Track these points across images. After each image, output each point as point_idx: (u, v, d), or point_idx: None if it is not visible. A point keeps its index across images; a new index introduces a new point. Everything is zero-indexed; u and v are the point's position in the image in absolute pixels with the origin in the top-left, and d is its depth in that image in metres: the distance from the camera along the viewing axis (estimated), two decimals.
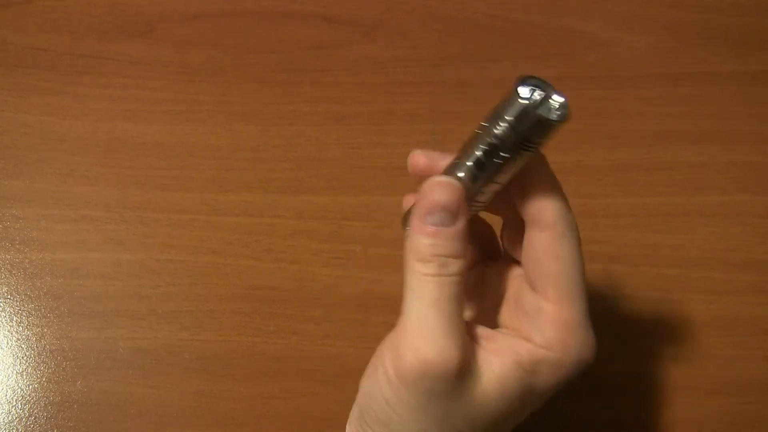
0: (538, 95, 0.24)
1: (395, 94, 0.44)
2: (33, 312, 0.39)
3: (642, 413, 0.37)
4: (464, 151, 0.26)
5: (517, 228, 0.28)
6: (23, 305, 0.39)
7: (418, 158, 0.28)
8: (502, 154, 0.25)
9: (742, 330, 0.38)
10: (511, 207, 0.27)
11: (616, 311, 0.39)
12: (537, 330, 0.26)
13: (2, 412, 0.36)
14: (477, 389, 0.25)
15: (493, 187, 0.26)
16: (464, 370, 0.25)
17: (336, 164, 0.42)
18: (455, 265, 0.26)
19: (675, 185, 0.42)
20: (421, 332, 0.25)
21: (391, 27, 0.46)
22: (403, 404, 0.25)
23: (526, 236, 0.27)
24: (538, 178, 0.26)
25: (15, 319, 0.38)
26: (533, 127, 0.24)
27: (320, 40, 0.46)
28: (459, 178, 0.26)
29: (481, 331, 0.27)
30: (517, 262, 0.29)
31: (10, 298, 0.39)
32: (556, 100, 0.24)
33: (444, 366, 0.24)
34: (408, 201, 0.30)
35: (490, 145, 0.25)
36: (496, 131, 0.24)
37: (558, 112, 0.24)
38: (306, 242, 0.40)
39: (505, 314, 0.28)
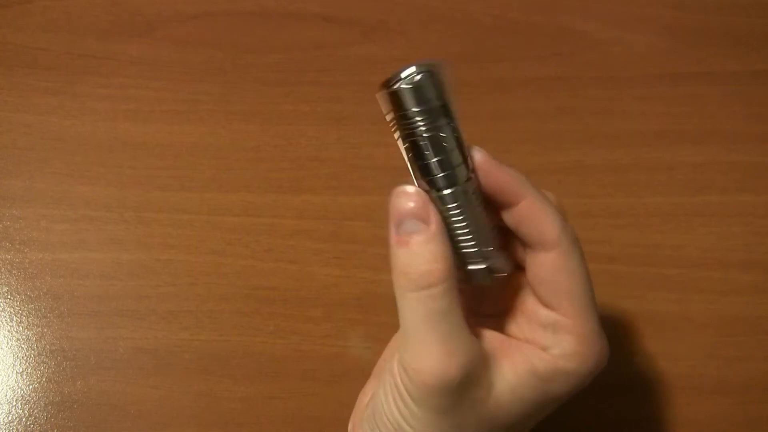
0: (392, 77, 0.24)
1: None
2: (33, 312, 0.39)
3: (642, 413, 0.37)
4: (409, 164, 0.26)
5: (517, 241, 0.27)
6: (23, 305, 0.39)
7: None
8: (413, 139, 0.25)
9: (742, 330, 0.38)
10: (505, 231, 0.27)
11: (616, 311, 0.39)
12: (554, 342, 0.26)
13: (2, 412, 0.36)
14: (489, 398, 0.25)
15: (452, 182, 0.26)
16: (470, 380, 0.25)
17: (336, 164, 0.42)
18: (438, 274, 0.25)
19: (675, 185, 0.42)
20: (417, 351, 0.25)
21: (391, 27, 0.46)
22: (414, 417, 0.25)
23: (531, 258, 0.27)
24: (527, 202, 0.26)
25: (15, 319, 0.38)
26: (401, 102, 0.25)
27: (320, 40, 0.46)
28: (418, 184, 0.26)
29: (493, 338, 0.27)
30: (517, 268, 0.28)
31: (10, 298, 0.39)
32: (409, 71, 0.24)
33: (444, 382, 0.24)
34: None
35: (404, 140, 0.25)
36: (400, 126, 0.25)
37: (409, 79, 0.24)
38: (306, 242, 0.40)
39: (517, 323, 0.28)
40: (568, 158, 0.42)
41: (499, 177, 0.26)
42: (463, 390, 0.25)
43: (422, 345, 0.25)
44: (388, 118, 0.26)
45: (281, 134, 0.43)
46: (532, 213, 0.26)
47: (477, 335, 0.27)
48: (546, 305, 0.27)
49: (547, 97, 0.44)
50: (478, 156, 0.26)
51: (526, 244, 0.27)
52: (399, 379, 0.26)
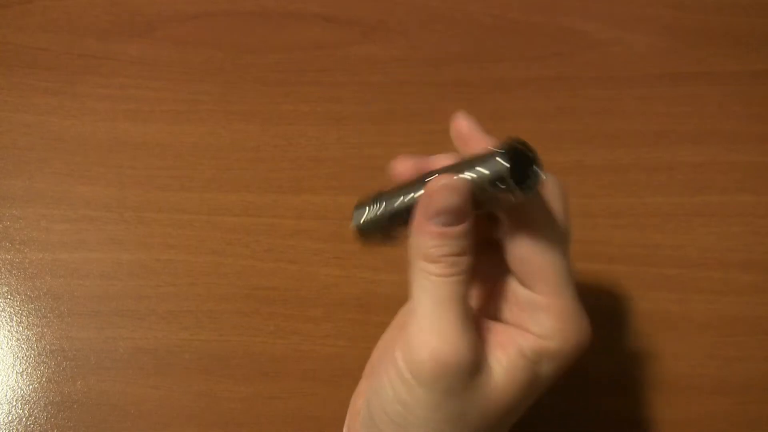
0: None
1: (395, 94, 0.44)
2: (33, 312, 0.39)
3: (642, 413, 0.37)
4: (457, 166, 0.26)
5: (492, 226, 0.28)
6: (23, 305, 0.39)
7: (460, 124, 0.28)
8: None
9: (742, 330, 0.38)
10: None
11: (616, 311, 0.39)
12: (534, 322, 0.26)
13: (2, 412, 0.36)
14: (488, 383, 0.25)
15: None
16: (477, 365, 0.25)
17: (336, 164, 0.42)
18: (462, 263, 0.26)
19: (675, 185, 0.42)
20: (435, 331, 0.25)
21: (391, 27, 0.46)
22: (418, 402, 0.25)
23: (506, 236, 0.27)
24: None
25: (15, 319, 0.38)
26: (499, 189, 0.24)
27: (320, 40, 0.46)
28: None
29: (483, 324, 0.27)
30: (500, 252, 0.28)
31: (10, 298, 0.39)
32: (534, 173, 0.24)
33: (460, 363, 0.24)
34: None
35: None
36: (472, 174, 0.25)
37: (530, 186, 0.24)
38: (306, 242, 0.40)
39: (499, 306, 0.29)
40: (568, 158, 0.42)
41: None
42: (472, 372, 0.25)
43: (441, 326, 0.25)
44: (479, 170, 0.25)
45: (281, 134, 0.43)
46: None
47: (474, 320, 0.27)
48: (524, 285, 0.27)
49: (547, 97, 0.44)
50: (463, 124, 0.27)
51: (501, 220, 0.27)
52: (403, 365, 0.25)
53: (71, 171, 0.42)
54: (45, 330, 0.38)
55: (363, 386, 0.31)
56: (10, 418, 0.36)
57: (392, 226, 0.28)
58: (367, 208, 0.29)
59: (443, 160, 0.27)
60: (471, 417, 0.26)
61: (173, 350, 0.38)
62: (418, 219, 0.26)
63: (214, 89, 0.44)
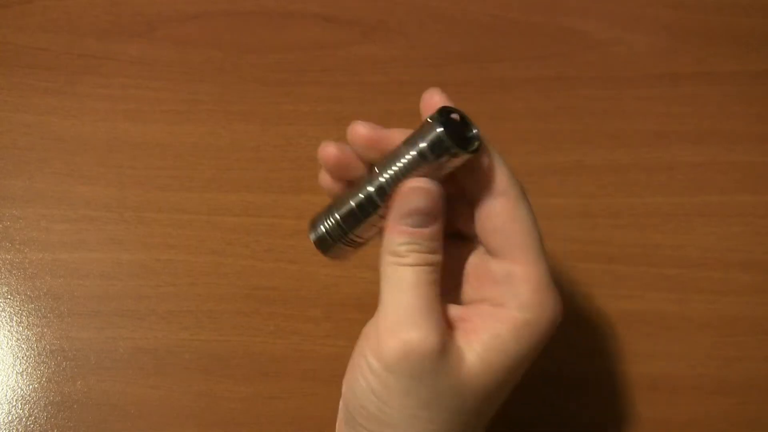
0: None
1: (395, 94, 0.44)
2: (33, 312, 0.39)
3: (642, 413, 0.37)
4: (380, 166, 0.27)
5: (458, 202, 0.28)
6: (23, 305, 0.39)
7: (360, 129, 0.28)
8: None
9: (742, 330, 0.38)
10: (452, 184, 0.27)
11: (616, 311, 0.39)
12: (511, 294, 0.26)
13: (2, 412, 0.36)
14: (462, 369, 0.25)
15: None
16: (445, 347, 0.25)
17: None
18: (431, 258, 0.26)
19: (675, 185, 0.42)
20: (400, 315, 0.25)
21: (391, 27, 0.46)
22: (390, 390, 0.25)
23: (480, 210, 0.27)
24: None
25: (15, 319, 0.38)
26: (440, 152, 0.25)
27: (320, 40, 0.46)
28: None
29: (454, 311, 0.27)
30: (461, 238, 0.29)
31: (10, 298, 0.39)
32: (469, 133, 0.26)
33: (425, 344, 0.25)
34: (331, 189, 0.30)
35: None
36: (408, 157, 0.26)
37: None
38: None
39: (469, 290, 0.29)
40: (568, 158, 0.42)
41: None
42: (440, 354, 0.25)
43: (406, 310, 0.25)
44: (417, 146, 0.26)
45: (281, 134, 0.43)
46: (484, 159, 0.26)
47: (443, 308, 0.27)
48: (497, 256, 0.27)
49: (547, 97, 0.44)
50: (361, 131, 0.27)
51: (474, 198, 0.27)
52: (371, 355, 0.26)
53: (71, 171, 0.42)
54: (45, 330, 0.38)
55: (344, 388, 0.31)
56: (10, 418, 0.36)
57: (349, 229, 0.28)
58: (321, 219, 0.29)
59: (397, 134, 0.27)
60: (445, 401, 0.25)
61: (173, 350, 0.38)
62: (390, 219, 0.26)
63: (214, 89, 0.44)
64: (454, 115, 0.26)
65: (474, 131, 0.26)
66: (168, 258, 0.40)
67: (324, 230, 0.29)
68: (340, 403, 0.30)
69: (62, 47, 0.45)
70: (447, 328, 0.26)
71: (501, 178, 0.26)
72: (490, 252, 0.27)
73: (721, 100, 0.44)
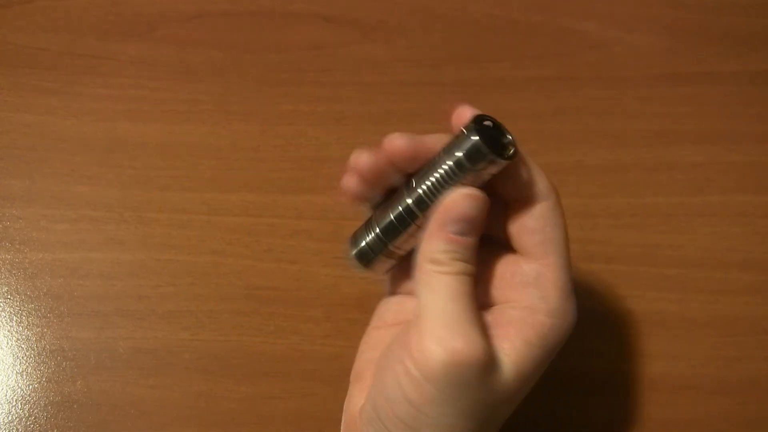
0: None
1: (395, 94, 0.44)
2: (33, 312, 0.39)
3: (642, 413, 0.37)
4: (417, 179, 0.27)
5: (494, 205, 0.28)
6: (23, 305, 0.39)
7: (398, 141, 0.27)
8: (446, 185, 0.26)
9: (742, 330, 0.38)
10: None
11: (616, 311, 0.39)
12: (541, 298, 0.27)
13: (2, 412, 0.36)
14: (500, 377, 0.26)
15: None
16: (492, 360, 0.25)
17: (336, 164, 0.42)
18: (470, 268, 0.27)
19: (675, 185, 0.42)
20: (446, 324, 0.25)
21: (391, 27, 0.46)
22: (429, 400, 0.25)
23: (518, 210, 0.27)
24: (519, 156, 0.27)
25: (15, 319, 0.38)
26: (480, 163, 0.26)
27: (320, 40, 0.46)
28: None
29: (486, 318, 0.27)
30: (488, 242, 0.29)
31: (10, 298, 0.39)
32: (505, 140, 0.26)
33: (472, 353, 0.25)
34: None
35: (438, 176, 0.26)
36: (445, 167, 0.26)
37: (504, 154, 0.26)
38: (306, 242, 0.40)
39: (493, 291, 0.29)
40: (568, 158, 0.42)
41: None
42: (486, 367, 0.25)
43: (452, 320, 0.25)
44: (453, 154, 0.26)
45: (281, 134, 0.43)
46: (523, 165, 0.27)
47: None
48: (529, 256, 0.27)
49: (547, 97, 0.44)
50: (401, 143, 0.27)
51: (512, 198, 0.27)
52: (412, 364, 0.25)
53: (71, 171, 0.42)
54: (45, 330, 0.38)
55: (355, 390, 0.30)
56: (10, 418, 0.36)
57: (389, 241, 0.28)
58: (360, 234, 0.29)
59: (433, 140, 0.27)
60: (482, 411, 0.26)
61: (173, 350, 0.38)
62: (433, 225, 0.27)
63: (214, 89, 0.44)
64: (488, 122, 0.26)
65: (509, 137, 0.26)
66: (168, 258, 0.40)
67: (365, 244, 0.29)
68: (347, 406, 0.30)
69: (62, 47, 0.45)
70: (489, 337, 0.26)
71: (542, 182, 0.27)
72: (523, 253, 0.28)
73: (721, 100, 0.44)
